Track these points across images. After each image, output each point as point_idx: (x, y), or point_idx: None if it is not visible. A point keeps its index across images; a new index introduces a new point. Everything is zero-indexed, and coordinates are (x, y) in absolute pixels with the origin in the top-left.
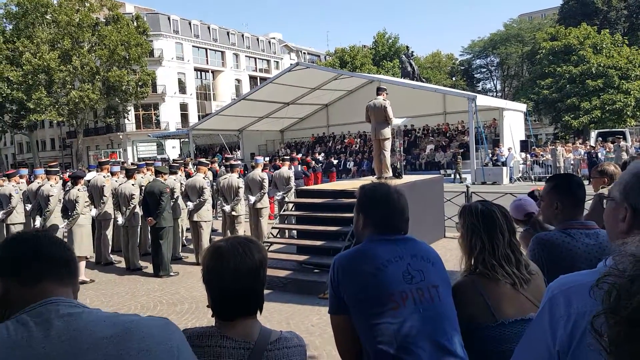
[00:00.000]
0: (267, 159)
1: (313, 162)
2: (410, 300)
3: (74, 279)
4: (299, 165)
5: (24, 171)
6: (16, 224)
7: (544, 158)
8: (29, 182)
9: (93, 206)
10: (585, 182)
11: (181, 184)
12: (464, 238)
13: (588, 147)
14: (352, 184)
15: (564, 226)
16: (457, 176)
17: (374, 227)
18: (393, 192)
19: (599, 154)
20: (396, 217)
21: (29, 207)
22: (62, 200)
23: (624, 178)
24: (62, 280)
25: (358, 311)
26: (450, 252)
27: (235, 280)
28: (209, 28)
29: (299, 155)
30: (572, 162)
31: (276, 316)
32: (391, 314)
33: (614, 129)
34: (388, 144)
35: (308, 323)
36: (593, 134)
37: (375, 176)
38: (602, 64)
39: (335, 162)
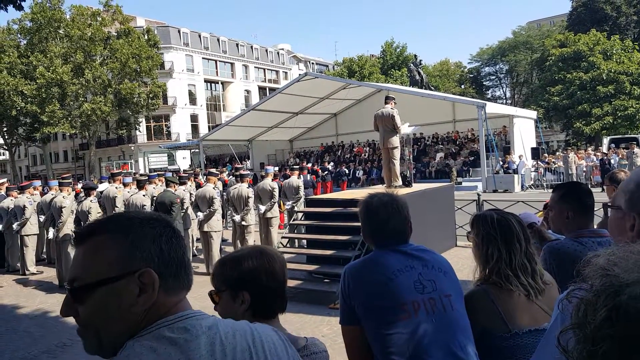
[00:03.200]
0: (277, 168)
1: (321, 171)
2: (422, 310)
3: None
4: (308, 175)
5: (38, 183)
6: (30, 235)
7: (556, 165)
8: (42, 193)
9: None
10: (599, 189)
11: (191, 194)
12: (479, 248)
13: (600, 153)
14: (361, 193)
15: (575, 235)
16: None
17: (372, 238)
18: (387, 204)
19: (612, 161)
20: (388, 232)
21: (42, 218)
22: (75, 211)
23: (629, 187)
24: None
25: (369, 321)
26: (462, 261)
27: (270, 279)
28: (218, 40)
29: (308, 165)
30: (584, 169)
31: (287, 327)
32: (403, 324)
33: (626, 135)
34: (397, 153)
35: (319, 334)
36: (605, 140)
37: (385, 185)
38: (612, 70)
39: (346, 171)
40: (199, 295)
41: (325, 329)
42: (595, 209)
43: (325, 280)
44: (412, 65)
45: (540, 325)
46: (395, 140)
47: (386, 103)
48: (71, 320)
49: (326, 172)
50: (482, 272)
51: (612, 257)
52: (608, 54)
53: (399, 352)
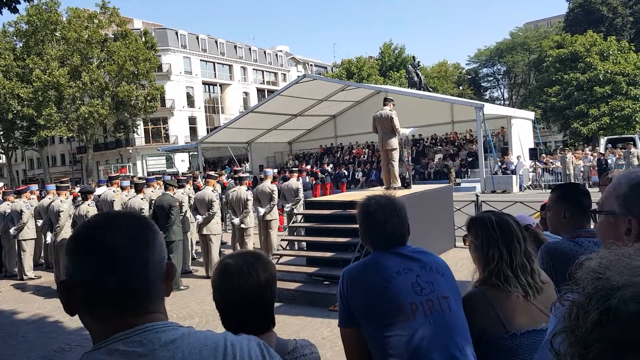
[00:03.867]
0: (276, 170)
1: (320, 173)
2: (420, 311)
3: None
4: (307, 177)
5: (34, 187)
6: (27, 239)
7: (554, 165)
8: (40, 197)
9: None
10: (596, 189)
11: (189, 197)
12: (478, 250)
13: (598, 154)
14: (360, 195)
15: (572, 235)
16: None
17: (370, 241)
18: (384, 206)
19: (609, 161)
20: (385, 236)
21: (40, 222)
22: (73, 215)
23: (622, 191)
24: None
25: (368, 323)
26: (461, 262)
27: (240, 299)
28: (216, 42)
29: (307, 167)
30: (582, 169)
31: (286, 329)
32: (401, 326)
33: (623, 135)
34: (396, 154)
35: (319, 336)
36: (602, 140)
37: (384, 186)
38: (609, 71)
39: (345, 172)
40: (198, 299)
41: (325, 331)
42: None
43: (325, 283)
44: (410, 66)
45: (539, 325)
46: (394, 142)
47: (385, 105)
48: (69, 325)
49: (325, 174)
50: (481, 273)
51: (604, 260)
52: (604, 54)
53: (398, 354)
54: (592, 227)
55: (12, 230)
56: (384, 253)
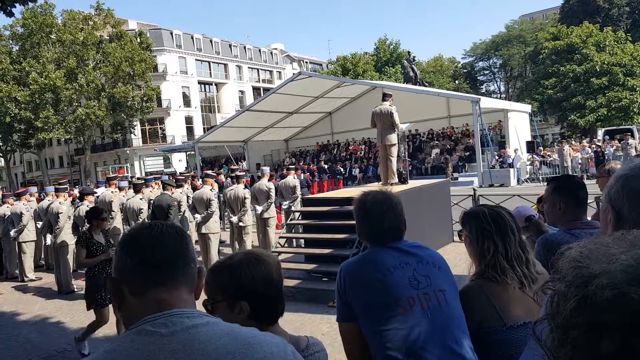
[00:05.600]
0: (268, 169)
1: (317, 170)
2: (417, 305)
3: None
4: (302, 174)
5: (33, 189)
6: (28, 241)
7: (551, 158)
8: (39, 200)
9: None
10: (594, 181)
11: (188, 196)
12: (473, 244)
13: (595, 145)
14: (357, 191)
15: (569, 226)
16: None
17: (367, 236)
18: (381, 202)
19: (607, 152)
20: (382, 230)
21: (39, 224)
22: (72, 217)
23: (610, 181)
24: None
25: (366, 318)
26: (459, 257)
27: (251, 289)
28: (211, 41)
29: (304, 165)
30: (579, 161)
31: (286, 326)
32: (399, 320)
33: (621, 127)
34: (394, 150)
35: (318, 332)
36: (600, 132)
37: (381, 182)
38: (606, 62)
39: (342, 170)
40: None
41: (324, 327)
42: (590, 201)
43: (324, 279)
44: (405, 61)
45: (535, 318)
46: (394, 138)
47: (384, 100)
48: (71, 326)
49: (322, 172)
50: (477, 267)
51: (584, 249)
52: (601, 45)
53: (396, 348)
54: (589, 218)
55: (12, 233)
56: (380, 248)
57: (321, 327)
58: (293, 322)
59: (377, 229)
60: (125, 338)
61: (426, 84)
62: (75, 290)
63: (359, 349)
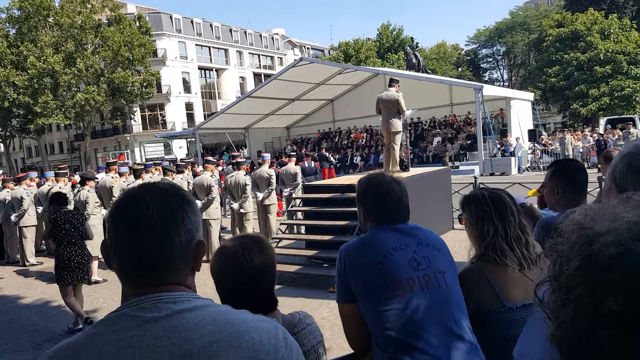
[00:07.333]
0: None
1: (319, 158)
2: (417, 286)
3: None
4: (312, 162)
5: (34, 174)
6: (28, 226)
7: (553, 147)
8: (39, 184)
9: (103, 207)
10: (595, 170)
11: (188, 182)
12: (473, 227)
13: (597, 134)
14: (359, 179)
15: (566, 212)
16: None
17: (373, 218)
18: (387, 183)
19: (608, 142)
20: (392, 207)
21: (40, 209)
22: (73, 201)
23: (615, 160)
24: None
25: (365, 299)
26: (459, 244)
27: (236, 282)
28: (211, 26)
29: (313, 153)
30: (580, 150)
31: (286, 310)
32: (398, 301)
33: (623, 116)
34: (398, 138)
35: (318, 316)
36: (602, 121)
37: (383, 170)
38: (610, 50)
39: (331, 157)
40: (199, 283)
41: (324, 312)
42: (589, 189)
43: (324, 265)
44: (408, 48)
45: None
46: (398, 124)
47: (390, 86)
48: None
49: (324, 160)
50: (477, 249)
51: (590, 212)
52: (606, 33)
53: (395, 328)
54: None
55: (13, 217)
56: (382, 229)
57: (321, 311)
58: (293, 306)
59: (381, 207)
60: (106, 322)
61: (429, 71)
62: None
63: (358, 330)
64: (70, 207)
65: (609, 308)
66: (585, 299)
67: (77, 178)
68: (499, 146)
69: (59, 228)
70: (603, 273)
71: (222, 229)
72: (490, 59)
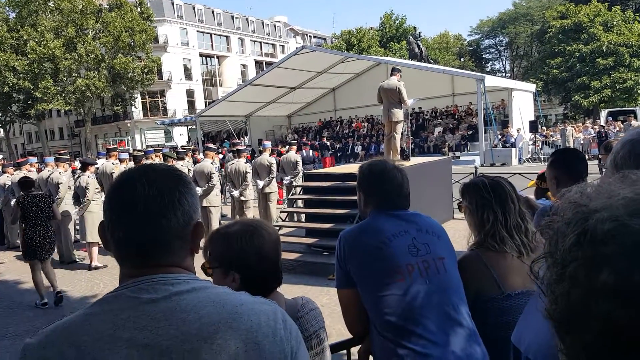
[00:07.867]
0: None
1: (320, 147)
2: (416, 272)
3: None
4: (311, 151)
5: (34, 159)
6: None
7: (554, 138)
8: (39, 170)
9: (103, 193)
10: (596, 162)
11: (188, 169)
12: (473, 214)
13: (598, 126)
14: (360, 165)
15: None
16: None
17: (374, 204)
18: (389, 169)
19: (609, 133)
20: (394, 193)
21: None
22: (73, 187)
23: (616, 147)
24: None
25: (364, 284)
26: (459, 233)
27: (243, 263)
28: (213, 12)
29: (312, 141)
30: (581, 141)
31: (287, 297)
32: (397, 286)
33: (624, 108)
34: (399, 127)
35: (318, 303)
36: (603, 113)
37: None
38: (612, 42)
39: (328, 145)
40: (198, 269)
41: (324, 299)
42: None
43: (324, 253)
44: (411, 37)
45: (533, 286)
46: (400, 114)
47: (392, 75)
48: (73, 294)
49: (324, 148)
50: (477, 236)
51: (584, 189)
52: (609, 25)
53: (394, 313)
54: None
55: (12, 202)
56: (382, 215)
57: (321, 298)
58: (293, 294)
59: (384, 193)
60: (104, 302)
61: (431, 60)
62: (77, 260)
63: (357, 315)
64: (91, 194)
65: (604, 281)
66: (580, 273)
67: (77, 164)
68: (500, 137)
69: (27, 210)
70: (598, 247)
71: (223, 216)
72: (493, 50)
